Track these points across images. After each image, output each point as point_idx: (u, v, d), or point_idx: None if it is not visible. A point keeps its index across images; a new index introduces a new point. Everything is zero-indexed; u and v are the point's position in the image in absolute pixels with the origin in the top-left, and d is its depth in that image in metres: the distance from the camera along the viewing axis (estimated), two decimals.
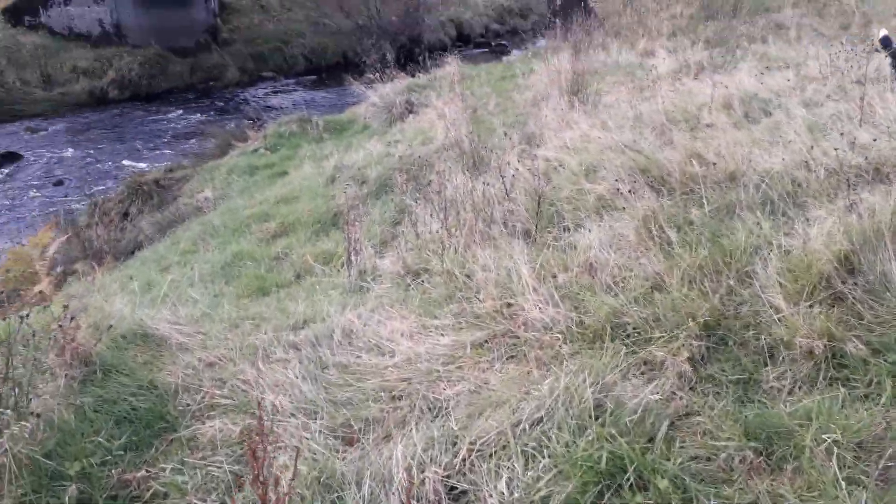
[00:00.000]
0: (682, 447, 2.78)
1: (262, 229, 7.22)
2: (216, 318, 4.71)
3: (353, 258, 5.10)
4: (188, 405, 3.53)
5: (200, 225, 7.92)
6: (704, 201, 4.51)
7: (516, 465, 2.69)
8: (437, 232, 4.69)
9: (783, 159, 4.61)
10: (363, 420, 3.28)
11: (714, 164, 4.65)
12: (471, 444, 2.85)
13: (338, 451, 3.10)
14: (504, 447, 2.81)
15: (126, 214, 10.69)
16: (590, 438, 2.69)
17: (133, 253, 9.04)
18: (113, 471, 3.02)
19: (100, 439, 3.10)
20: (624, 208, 4.32)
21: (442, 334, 3.96)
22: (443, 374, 3.56)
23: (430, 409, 3.30)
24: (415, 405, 3.32)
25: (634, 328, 3.63)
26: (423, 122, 10.91)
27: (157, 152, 16.17)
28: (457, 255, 4.58)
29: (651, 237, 4.20)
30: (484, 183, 4.96)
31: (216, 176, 11.03)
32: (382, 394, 3.44)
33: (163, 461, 3.17)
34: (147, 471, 3.12)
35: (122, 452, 3.13)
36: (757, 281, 3.67)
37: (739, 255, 3.84)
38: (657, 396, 2.90)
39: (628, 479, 2.54)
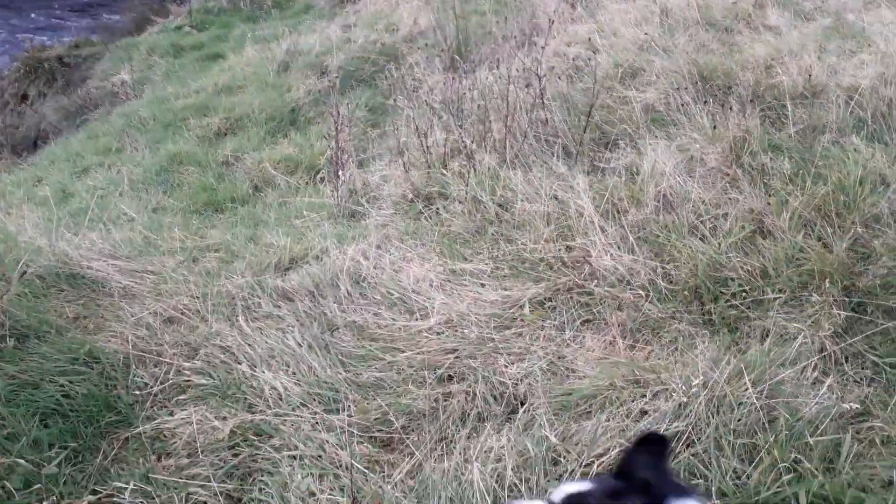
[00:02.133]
0: (867, 467, 2.01)
1: (203, 125, 5.94)
2: (164, 246, 3.60)
3: (340, 173, 4.02)
4: (146, 385, 2.50)
5: (123, 117, 6.50)
6: (789, 121, 3.67)
7: None
8: (466, 144, 3.66)
9: (883, 73, 3.78)
10: (406, 413, 2.36)
11: (810, 75, 3.77)
12: (584, 467, 2.00)
13: (379, 466, 2.19)
14: None
15: (24, 97, 8.95)
16: (768, 467, 1.88)
17: (35, 145, 7.53)
18: (45, 501, 2.01)
19: (22, 460, 2.06)
20: (715, 127, 3.39)
21: (482, 284, 3.04)
22: (499, 345, 2.66)
23: (494, 397, 2.41)
24: (474, 392, 2.42)
25: (740, 285, 2.81)
26: (380, 3, 9.49)
27: (57, 23, 13.88)
28: (485, 177, 3.59)
29: (740, 165, 3.34)
30: (516, 84, 3.90)
31: (134, 56, 9.34)
32: (424, 372, 2.52)
33: (117, 476, 2.18)
34: (94, 493, 2.12)
35: (55, 469, 2.11)
36: (891, 229, 2.90)
37: (862, 195, 3.04)
38: (851, 405, 2.09)
39: None
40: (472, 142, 3.67)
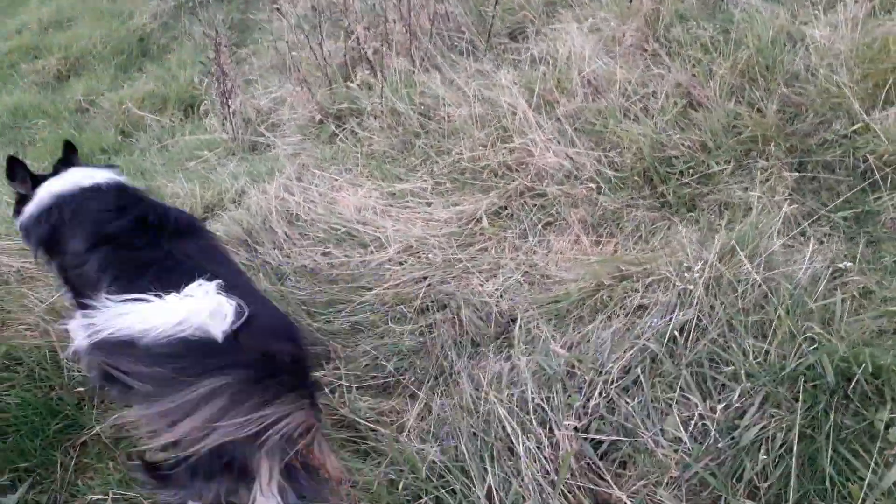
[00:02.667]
0: (857, 320, 2.08)
1: (38, 69, 5.14)
2: None
3: (229, 101, 3.59)
4: (86, 378, 2.17)
5: None
6: None
7: (692, 398, 1.85)
8: (375, 49, 3.34)
9: None
10: (396, 354, 2.19)
11: None
12: (606, 375, 1.94)
13: (382, 416, 2.03)
14: (657, 372, 1.93)
15: None
16: (784, 339, 1.89)
17: None
18: None
19: None
20: (631, 0, 3.28)
21: (428, 203, 2.85)
22: (468, 263, 2.52)
23: (481, 319, 2.29)
24: (459, 318, 2.28)
25: (686, 162, 2.81)
26: None
27: None
28: (399, 85, 3.32)
29: (657, 39, 3.28)
30: None
31: None
32: (402, 307, 2.34)
33: (87, 488, 1.89)
34: None
35: (13, 498, 1.79)
36: (812, 85, 2.97)
37: (780, 55, 3.08)
38: (845, 264, 2.13)
39: (855, 389, 1.80)
40: (382, 45, 3.36)
